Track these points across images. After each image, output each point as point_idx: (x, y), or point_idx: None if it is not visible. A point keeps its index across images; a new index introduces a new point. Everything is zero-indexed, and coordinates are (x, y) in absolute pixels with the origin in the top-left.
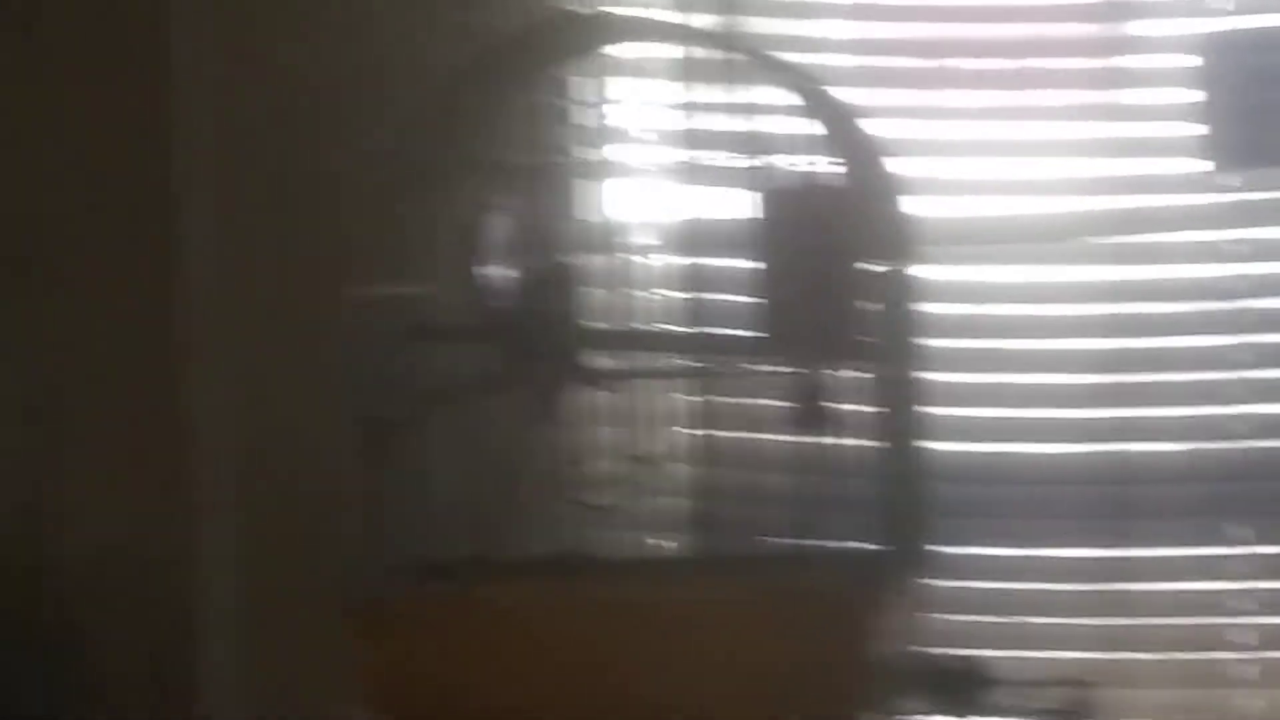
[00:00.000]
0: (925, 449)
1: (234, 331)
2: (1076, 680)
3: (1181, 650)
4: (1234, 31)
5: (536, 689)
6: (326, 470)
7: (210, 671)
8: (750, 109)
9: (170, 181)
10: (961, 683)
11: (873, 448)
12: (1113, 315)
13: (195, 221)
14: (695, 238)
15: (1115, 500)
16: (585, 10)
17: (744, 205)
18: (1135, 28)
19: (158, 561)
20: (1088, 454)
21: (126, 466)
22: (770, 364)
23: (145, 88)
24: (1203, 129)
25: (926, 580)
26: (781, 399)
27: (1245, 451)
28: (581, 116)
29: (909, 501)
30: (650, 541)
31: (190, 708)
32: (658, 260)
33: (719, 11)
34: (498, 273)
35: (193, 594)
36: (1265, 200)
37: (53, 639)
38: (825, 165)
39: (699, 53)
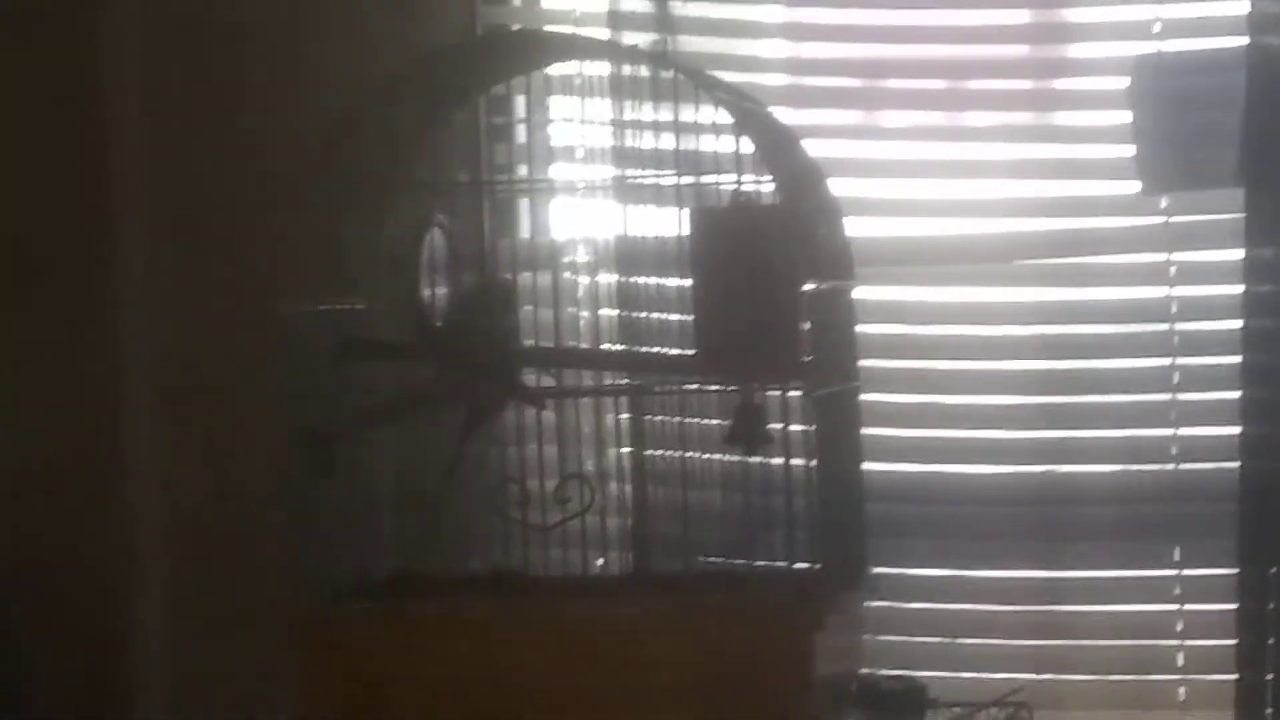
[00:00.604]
0: (861, 469)
1: (170, 345)
2: (1012, 701)
3: (1112, 671)
4: (1161, 54)
5: (470, 706)
6: (262, 485)
7: (142, 685)
8: (684, 127)
9: (105, 197)
10: (898, 703)
11: (809, 467)
12: (1044, 336)
13: (129, 237)
14: (630, 256)
15: (1047, 521)
16: (521, 28)
17: (678, 224)
18: (1068, 50)
19: (90, 576)
20: (1020, 475)
21: (59, 477)
22: (706, 383)
23: (78, 100)
24: (1132, 151)
25: (863, 600)
26: (718, 418)
27: (1174, 473)
28: (517, 134)
29: (846, 521)
30: (587, 560)
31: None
32: (593, 278)
33: (654, 30)
34: (434, 290)
35: (125, 606)
36: (1193, 222)
37: None
38: (759, 185)
39: (633, 71)
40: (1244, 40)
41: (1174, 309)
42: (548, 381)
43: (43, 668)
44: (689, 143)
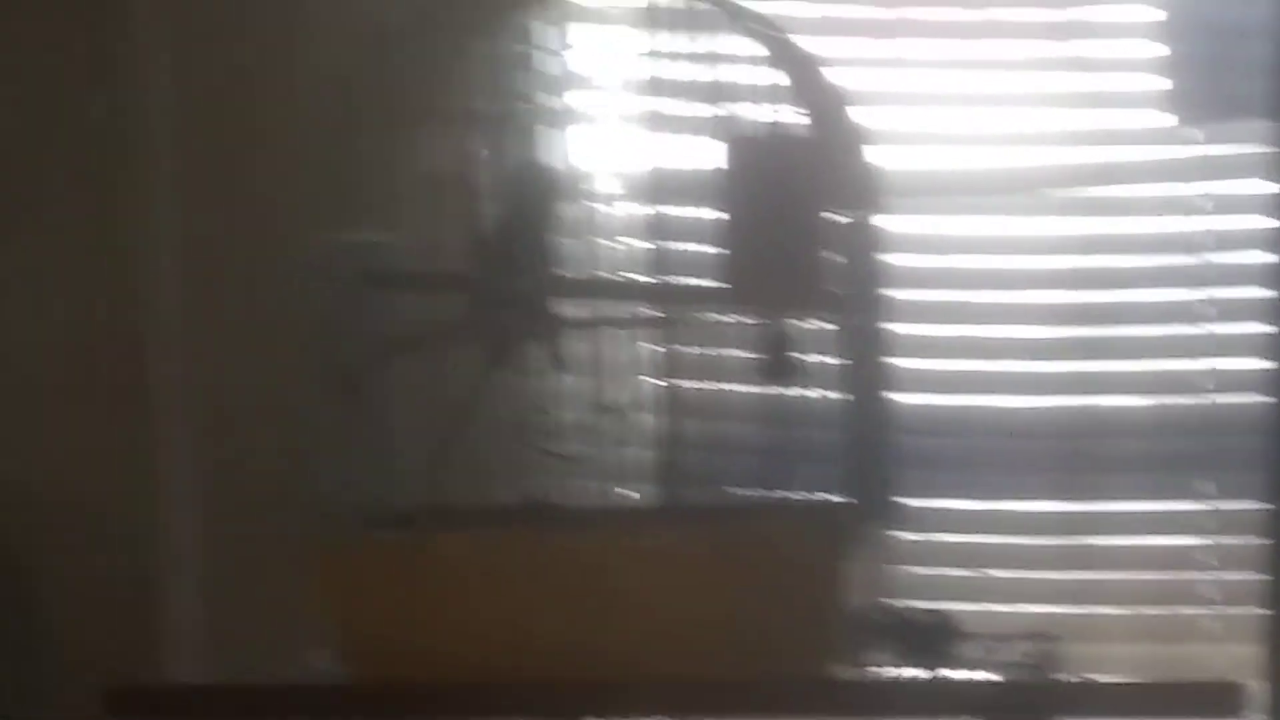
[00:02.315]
0: (891, 401)
1: (195, 278)
2: (1042, 634)
3: (1145, 604)
4: None
5: (499, 637)
6: (289, 417)
7: (171, 618)
8: (714, 58)
9: (127, 135)
10: (928, 635)
11: (838, 399)
12: (1076, 268)
13: (155, 170)
14: (659, 186)
15: (1079, 454)
16: None
17: (708, 154)
18: None
19: (117, 511)
20: (1052, 407)
21: (86, 412)
22: (735, 314)
23: (103, 36)
24: (1166, 82)
25: (893, 532)
26: (747, 349)
27: (1208, 406)
28: (545, 64)
29: (875, 453)
30: (615, 491)
31: (151, 654)
32: (622, 209)
33: None
34: (462, 220)
35: (153, 540)
36: (1227, 154)
37: (7, 591)
38: (790, 115)
39: (665, 2)
40: None
41: (1209, 240)
42: (576, 313)
43: (67, 610)
44: (720, 73)
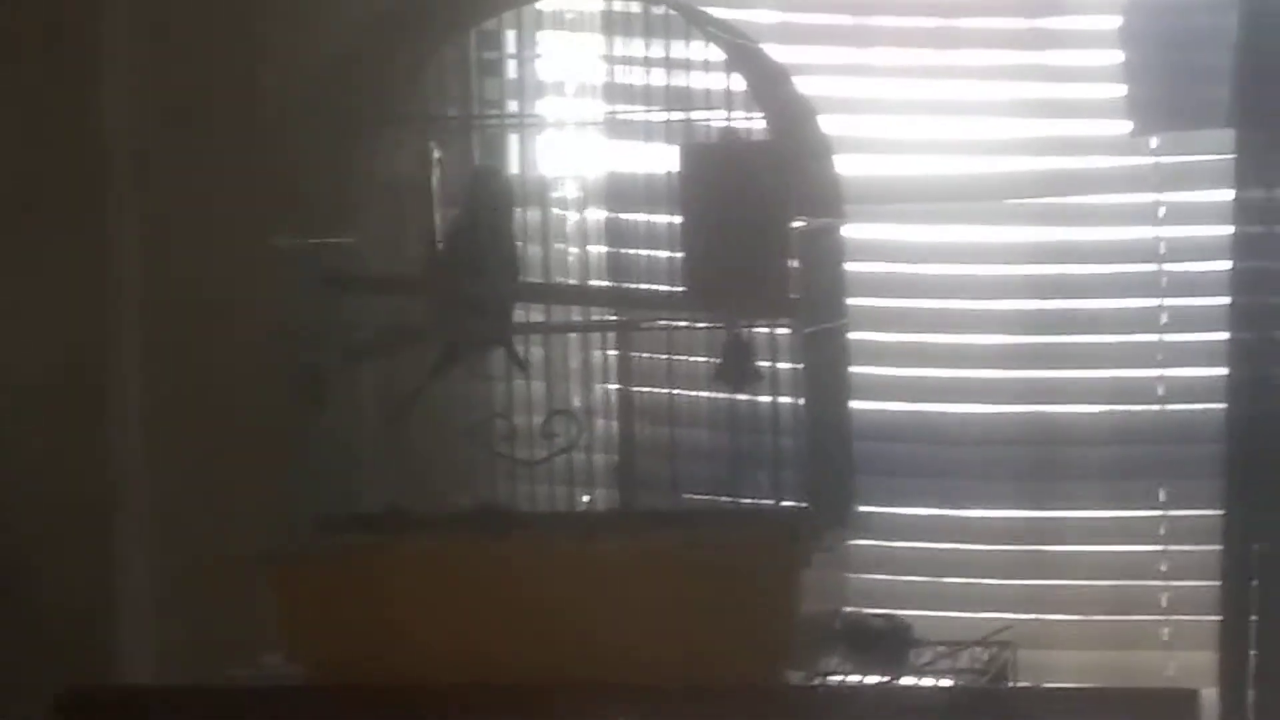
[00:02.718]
0: (848, 407)
1: (154, 283)
2: (997, 640)
3: (1097, 611)
4: None
5: (455, 641)
6: (248, 421)
7: (128, 622)
8: (675, 64)
9: (88, 141)
10: (884, 642)
11: (797, 405)
12: (1032, 276)
13: (116, 176)
14: (617, 192)
15: (1034, 461)
16: None
17: (668, 160)
18: None
19: (73, 513)
20: (1008, 414)
21: (44, 416)
22: (695, 319)
23: (73, 41)
24: (1122, 91)
25: (850, 539)
26: (705, 355)
27: (1162, 414)
28: (505, 69)
29: (832, 460)
30: (572, 496)
31: (108, 657)
32: (582, 214)
33: None
34: (422, 225)
35: (109, 544)
36: (1182, 163)
37: None
38: (750, 121)
39: (624, 6)
40: None
41: (1163, 249)
42: (536, 318)
43: (22, 610)
44: (680, 79)
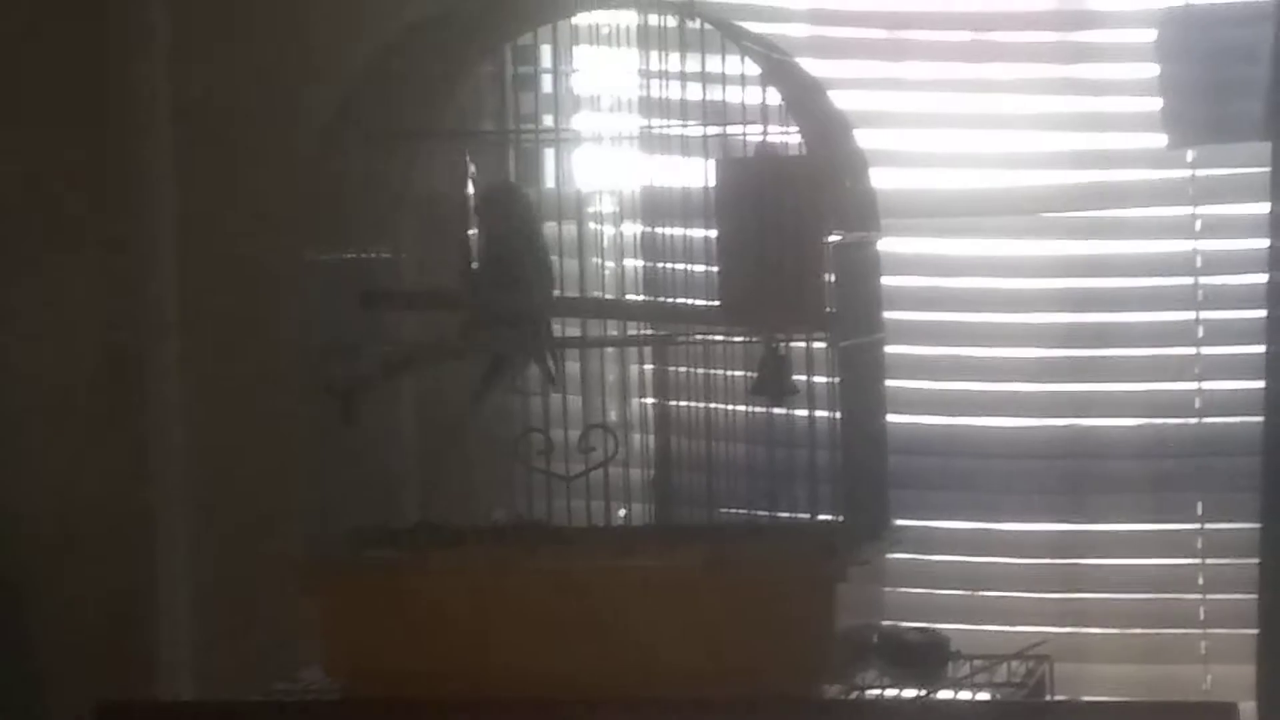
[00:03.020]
0: (885, 421)
1: (190, 297)
2: (1034, 654)
3: (1134, 625)
4: (1189, 6)
5: (490, 655)
6: (286, 435)
7: (162, 635)
8: (711, 78)
9: (129, 151)
10: (920, 656)
11: (833, 419)
12: (1068, 290)
13: (151, 190)
14: (656, 206)
15: (1070, 474)
16: None
17: (704, 174)
18: (1094, 2)
19: (110, 528)
20: (1044, 428)
21: (85, 430)
22: (731, 333)
23: (100, 50)
24: (1158, 104)
25: (885, 553)
26: (743, 369)
27: (1198, 427)
28: (543, 84)
29: (867, 474)
30: (610, 510)
31: (142, 671)
32: (618, 228)
33: None
34: (458, 239)
35: (146, 558)
36: (1218, 176)
37: (7, 608)
38: (785, 135)
39: (660, 21)
40: None
41: (1199, 263)
42: (573, 332)
43: (58, 622)
44: (715, 93)
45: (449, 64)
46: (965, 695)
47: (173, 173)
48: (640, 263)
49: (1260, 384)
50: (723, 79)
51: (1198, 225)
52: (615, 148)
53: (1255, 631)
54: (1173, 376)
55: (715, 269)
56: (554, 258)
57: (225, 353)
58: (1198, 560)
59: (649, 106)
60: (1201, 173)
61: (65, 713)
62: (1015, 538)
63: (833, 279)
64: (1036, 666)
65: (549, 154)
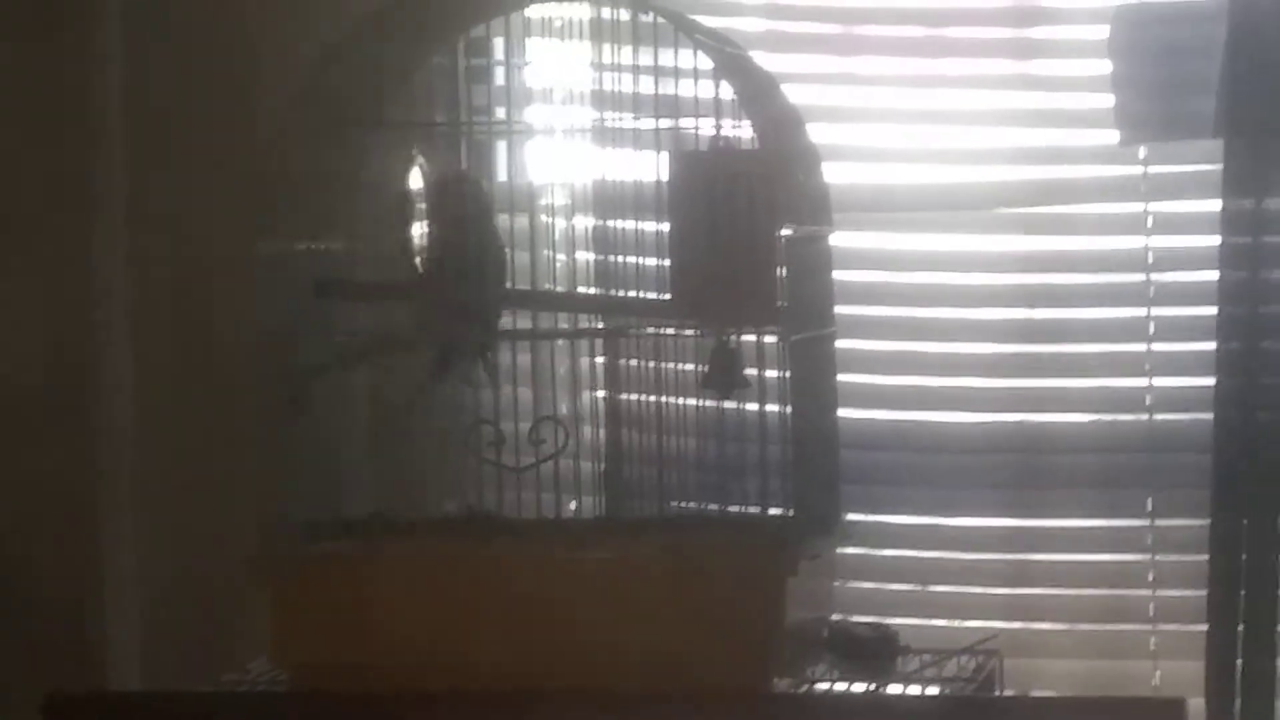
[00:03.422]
0: (836, 415)
1: (140, 286)
2: (983, 649)
3: (1083, 620)
4: (1142, 4)
5: (440, 647)
6: (234, 426)
7: (115, 627)
8: (664, 71)
9: (78, 143)
10: (869, 649)
11: (784, 413)
12: (1020, 285)
13: (101, 180)
14: (607, 199)
15: (1021, 469)
16: None
17: (656, 168)
18: None
19: (63, 519)
20: (995, 423)
21: (33, 421)
22: (682, 327)
23: (50, 45)
24: (1110, 101)
25: (835, 547)
26: (694, 362)
27: (1148, 423)
28: (495, 76)
29: (820, 468)
30: (560, 502)
31: (96, 662)
32: (570, 221)
33: None
34: (409, 231)
35: (95, 549)
36: (1170, 173)
37: None
38: (738, 129)
39: (613, 14)
40: None
41: (1150, 259)
42: (523, 324)
43: (7, 614)
44: (668, 87)
45: (401, 55)
46: (915, 689)
47: (123, 164)
48: (592, 256)
49: (1211, 381)
50: (675, 73)
51: (1150, 222)
52: (567, 141)
53: (1204, 628)
54: (1124, 372)
55: (667, 262)
56: (506, 250)
57: (177, 344)
58: (1148, 556)
59: (601, 100)
60: (1154, 169)
61: (13, 706)
62: (965, 533)
63: (784, 273)
64: (986, 661)
65: (501, 146)
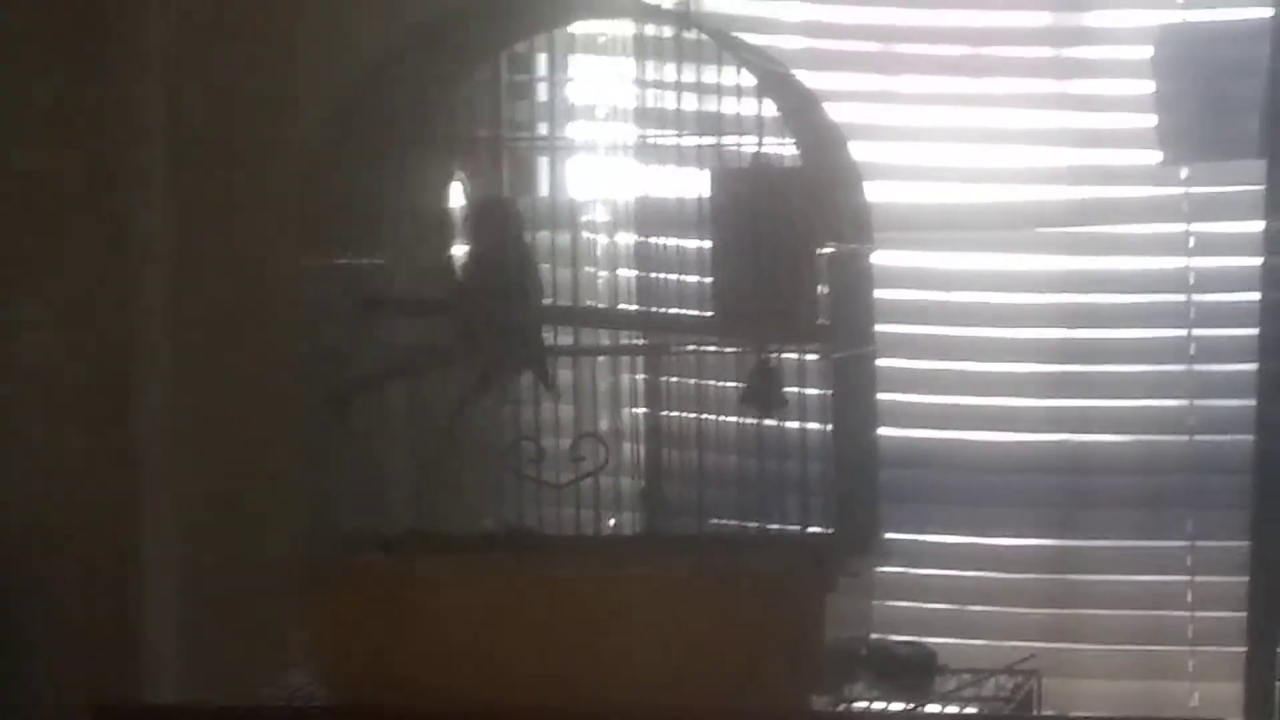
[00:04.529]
0: (875, 434)
1: (185, 300)
2: (1022, 669)
3: (1122, 641)
4: (1186, 24)
5: (479, 663)
6: (277, 440)
7: (153, 638)
8: (706, 89)
9: (120, 160)
10: (908, 669)
11: (824, 431)
12: (1061, 305)
13: (146, 193)
14: (649, 216)
15: (1061, 490)
16: None
17: (698, 185)
18: (1090, 18)
19: (101, 531)
20: (1036, 443)
21: (77, 433)
22: (723, 344)
23: (99, 55)
24: (1153, 121)
25: (875, 566)
26: (734, 380)
27: (1189, 444)
28: (538, 92)
29: (860, 486)
30: (600, 520)
31: (132, 674)
32: (611, 238)
33: None
34: (455, 247)
35: (137, 561)
36: (1212, 194)
37: None
38: (780, 147)
39: (656, 31)
40: (1269, 11)
41: (1192, 280)
42: (565, 341)
43: (47, 625)
44: (711, 104)
45: (444, 71)
46: (953, 709)
47: (169, 177)
48: (633, 272)
49: (1251, 402)
50: (718, 90)
51: (1191, 242)
52: (610, 157)
53: (1243, 649)
54: (1164, 393)
55: (708, 279)
56: (546, 266)
57: (219, 357)
58: (1187, 577)
59: (644, 116)
60: (1195, 190)
61: (52, 715)
62: (1005, 552)
63: (826, 291)
64: (1024, 681)
65: (543, 162)
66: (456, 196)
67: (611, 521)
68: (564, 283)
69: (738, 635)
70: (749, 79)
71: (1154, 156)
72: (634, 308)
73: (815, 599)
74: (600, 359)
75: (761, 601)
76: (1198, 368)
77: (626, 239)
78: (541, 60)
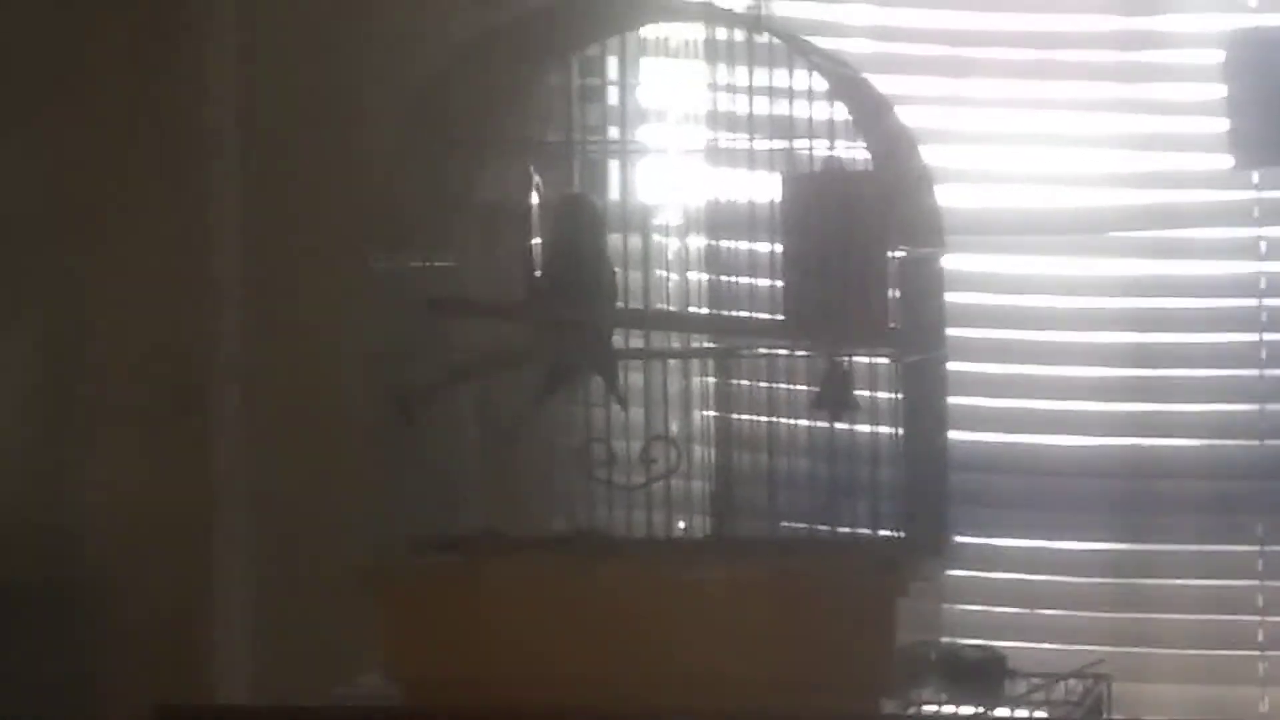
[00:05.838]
0: (947, 438)
1: (257, 302)
2: (1092, 673)
3: (1192, 646)
4: (1257, 28)
5: (548, 665)
6: (349, 440)
7: (224, 638)
8: (778, 92)
9: (194, 163)
10: (979, 672)
11: (895, 435)
12: (1132, 309)
13: (220, 196)
14: (720, 219)
15: (1130, 494)
16: None
17: (769, 189)
18: (1160, 22)
19: (175, 532)
20: (1107, 447)
21: (148, 434)
22: (794, 348)
23: (172, 54)
24: (1224, 125)
25: (945, 569)
26: (805, 384)
27: (1259, 449)
28: (609, 96)
29: (930, 490)
30: (670, 523)
31: (201, 675)
32: (683, 241)
33: None
34: (523, 249)
35: (207, 562)
36: None
37: (67, 608)
38: (852, 151)
39: (728, 34)
40: None
41: (1263, 284)
42: (637, 344)
43: (119, 625)
44: (782, 108)
45: (516, 74)
46: (1022, 713)
47: (240, 179)
48: (704, 276)
49: None
50: (790, 94)
51: (1263, 247)
52: (681, 161)
53: None
54: (1235, 398)
55: (779, 283)
56: (618, 269)
57: (290, 358)
58: (1257, 582)
59: (715, 120)
60: (1267, 194)
61: (121, 715)
62: (1074, 556)
63: (897, 295)
64: (1094, 685)
65: (614, 166)
66: (531, 195)
67: (681, 524)
68: (635, 286)
69: (808, 638)
70: (820, 83)
71: (1225, 161)
72: (705, 311)
73: (886, 603)
74: (671, 362)
75: (832, 605)
76: (1268, 372)
77: (698, 242)
78: (613, 64)
